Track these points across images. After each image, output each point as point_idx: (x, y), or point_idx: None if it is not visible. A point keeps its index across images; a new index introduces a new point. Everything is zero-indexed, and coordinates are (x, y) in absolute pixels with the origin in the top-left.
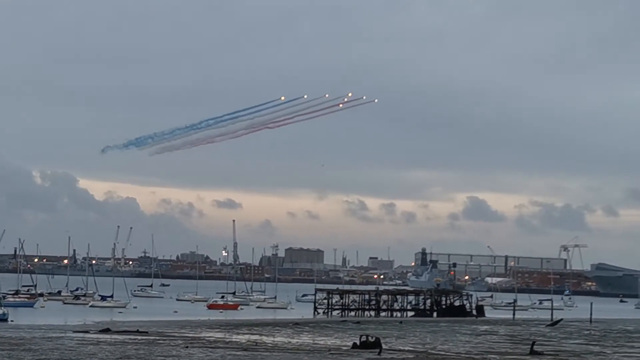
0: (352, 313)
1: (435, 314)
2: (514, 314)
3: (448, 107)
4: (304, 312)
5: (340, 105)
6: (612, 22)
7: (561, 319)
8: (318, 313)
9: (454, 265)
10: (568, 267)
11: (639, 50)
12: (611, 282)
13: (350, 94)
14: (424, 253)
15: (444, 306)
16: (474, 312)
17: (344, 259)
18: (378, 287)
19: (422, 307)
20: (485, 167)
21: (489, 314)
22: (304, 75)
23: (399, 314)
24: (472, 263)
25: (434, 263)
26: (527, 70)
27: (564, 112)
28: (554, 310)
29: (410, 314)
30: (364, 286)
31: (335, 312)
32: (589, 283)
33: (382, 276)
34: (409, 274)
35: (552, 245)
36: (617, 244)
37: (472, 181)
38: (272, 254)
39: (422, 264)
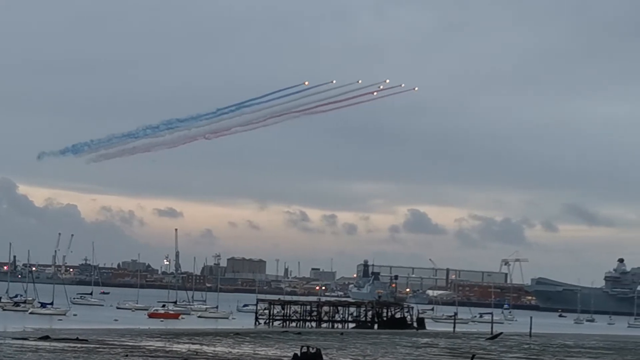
0: (294, 324)
1: (376, 326)
2: (454, 327)
3: (390, 120)
4: (246, 322)
5: (375, 94)
6: (554, 37)
7: (501, 333)
8: (259, 323)
9: (396, 277)
10: (508, 281)
11: (580, 65)
12: (551, 297)
13: (387, 81)
14: (366, 265)
15: (385, 318)
16: (415, 324)
17: (286, 270)
18: (320, 298)
19: (364, 319)
20: (426, 180)
21: (430, 326)
22: (246, 84)
23: (340, 326)
24: (413, 275)
25: (376, 275)
26: (469, 84)
27: (505, 126)
28: (494, 324)
29: (351, 325)
30: (305, 297)
31: (276, 323)
32: (529, 297)
33: (324, 287)
34: (351, 286)
35: (493, 259)
36: (556, 258)
37: (413, 194)
38: (214, 264)
39: (364, 276)
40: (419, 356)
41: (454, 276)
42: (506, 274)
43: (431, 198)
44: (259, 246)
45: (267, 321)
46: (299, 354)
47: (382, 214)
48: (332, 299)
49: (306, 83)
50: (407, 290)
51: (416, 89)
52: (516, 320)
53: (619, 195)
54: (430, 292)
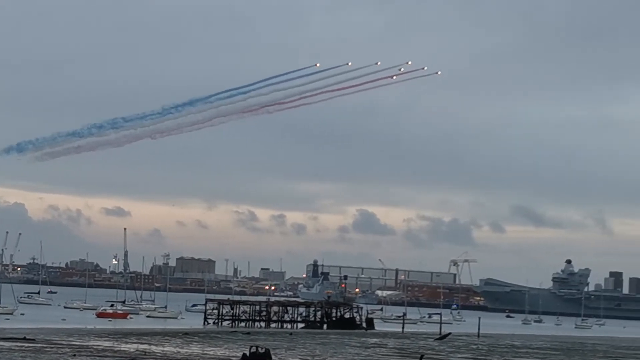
0: (243, 324)
1: (325, 326)
2: (403, 327)
3: (339, 121)
4: (194, 322)
5: (394, 77)
6: (504, 39)
7: (449, 333)
8: (208, 323)
9: (345, 277)
10: (457, 282)
11: (530, 68)
12: (499, 298)
13: (409, 62)
14: (315, 265)
15: (334, 318)
16: (364, 324)
17: (235, 270)
18: (269, 298)
19: (313, 319)
20: (375, 180)
21: (379, 326)
22: (198, 83)
23: (289, 326)
24: (363, 276)
25: (325, 275)
26: (419, 85)
27: (453, 127)
28: (442, 324)
29: (300, 325)
30: (254, 297)
31: (225, 323)
32: (478, 298)
33: (273, 287)
34: (300, 286)
35: (442, 259)
36: (505, 259)
37: (362, 194)
38: (163, 263)
39: (313, 276)
40: (367, 356)
41: (403, 276)
42: (455, 275)
43: (380, 198)
44: (207, 246)
45: (216, 321)
46: (247, 354)
47: (331, 214)
48: (282, 299)
49: (317, 65)
50: (357, 290)
51: (439, 72)
52: (464, 321)
53: (566, 196)
54: (379, 293)
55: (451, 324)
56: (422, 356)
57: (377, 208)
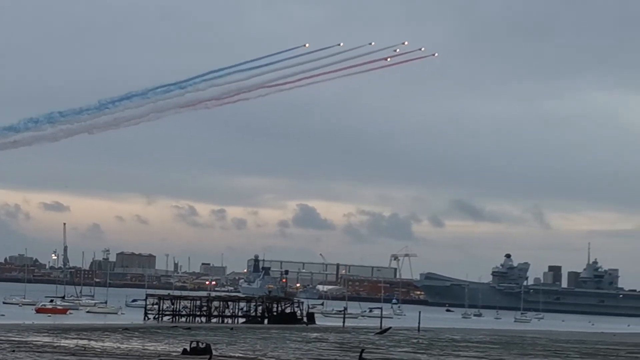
0: (183, 319)
1: (266, 321)
2: (344, 322)
3: (280, 116)
4: (135, 317)
5: (388, 59)
6: (442, 36)
7: (390, 327)
8: (148, 318)
9: (286, 272)
10: (398, 276)
11: (469, 63)
12: (439, 292)
13: (406, 43)
14: (256, 260)
15: (275, 313)
16: (305, 319)
17: (175, 265)
18: (210, 293)
19: (254, 314)
20: (315, 175)
21: (320, 321)
22: (133, 80)
23: (230, 321)
24: (304, 270)
25: (267, 270)
26: (358, 80)
27: (392, 123)
28: (383, 319)
29: (241, 320)
30: (195, 292)
31: (166, 318)
32: (418, 292)
33: (214, 282)
34: (241, 281)
35: (382, 254)
36: (445, 254)
37: (302, 189)
38: (103, 258)
39: (254, 271)
40: (308, 351)
41: (344, 271)
42: (395, 269)
43: (320, 193)
44: (148, 241)
45: (157, 316)
46: (188, 349)
47: (271, 208)
48: (222, 294)
49: (306, 45)
50: (298, 285)
51: (436, 54)
52: (405, 315)
53: (504, 191)
54: (320, 287)
55: (392, 318)
56: (362, 350)
57: (317, 203)
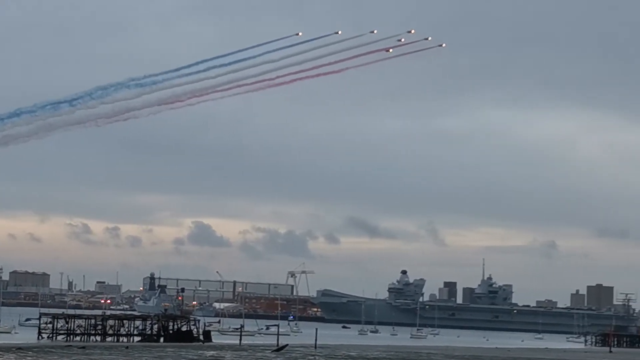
0: (78, 338)
1: (162, 339)
2: (240, 340)
3: (174, 133)
4: (28, 336)
5: (390, 51)
6: None
7: (287, 345)
8: (42, 337)
9: (182, 290)
10: (295, 293)
11: (362, 79)
12: (336, 308)
13: (412, 31)
14: (152, 278)
15: (171, 331)
16: (201, 337)
17: (70, 283)
18: (105, 312)
19: (149, 332)
20: (210, 192)
21: (216, 339)
22: (22, 96)
23: (125, 339)
24: (200, 288)
25: (163, 288)
26: (250, 99)
27: (288, 139)
28: (280, 336)
29: (137, 339)
30: (90, 311)
31: (60, 337)
32: (315, 309)
33: (109, 301)
34: (137, 299)
35: (279, 271)
36: (341, 270)
37: (197, 206)
38: None
39: (150, 289)
40: None
41: (240, 289)
42: (292, 286)
43: (215, 210)
44: (41, 259)
45: (51, 335)
46: None
47: (166, 226)
48: (118, 312)
49: (299, 34)
50: (194, 303)
51: (444, 44)
52: (302, 332)
53: (399, 208)
54: (217, 305)
55: (289, 335)
56: None
57: (212, 220)
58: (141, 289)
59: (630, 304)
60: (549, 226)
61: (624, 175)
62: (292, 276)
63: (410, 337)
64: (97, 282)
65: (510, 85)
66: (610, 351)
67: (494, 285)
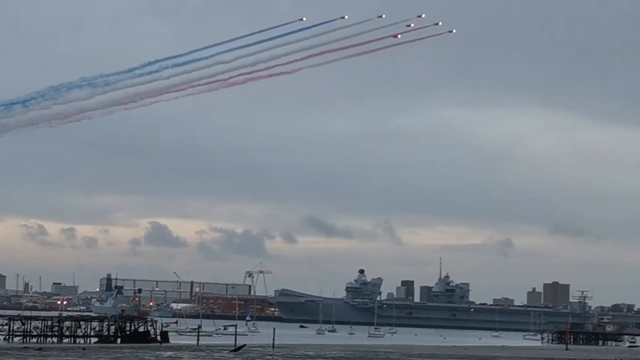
0: (34, 339)
1: (119, 340)
2: (198, 340)
3: (129, 133)
4: None
5: (399, 37)
6: None
7: (244, 345)
8: None
9: (139, 291)
10: (252, 293)
11: (321, 80)
12: (294, 308)
13: (423, 15)
14: (109, 279)
15: (128, 332)
16: (159, 338)
17: (26, 285)
18: (61, 313)
19: (106, 334)
20: (167, 193)
21: (174, 340)
22: None
23: (82, 341)
24: (157, 289)
25: (119, 289)
26: (210, 97)
27: (245, 139)
28: (238, 336)
29: (94, 340)
30: (46, 312)
31: (16, 339)
32: (273, 309)
33: (65, 302)
34: (94, 300)
35: (236, 271)
36: (299, 270)
37: (154, 207)
38: None
39: (107, 290)
40: None
41: (198, 289)
42: (250, 286)
43: (172, 210)
44: None
45: (7, 337)
46: None
47: (122, 227)
48: (74, 313)
49: (303, 19)
50: (151, 303)
51: (454, 30)
52: (259, 332)
53: (355, 207)
54: (174, 305)
55: (246, 335)
56: None
57: (169, 220)
58: (98, 290)
59: (586, 301)
60: (505, 224)
61: (579, 173)
62: (249, 276)
63: (368, 336)
64: (54, 284)
65: (467, 85)
66: (567, 348)
67: (451, 284)
